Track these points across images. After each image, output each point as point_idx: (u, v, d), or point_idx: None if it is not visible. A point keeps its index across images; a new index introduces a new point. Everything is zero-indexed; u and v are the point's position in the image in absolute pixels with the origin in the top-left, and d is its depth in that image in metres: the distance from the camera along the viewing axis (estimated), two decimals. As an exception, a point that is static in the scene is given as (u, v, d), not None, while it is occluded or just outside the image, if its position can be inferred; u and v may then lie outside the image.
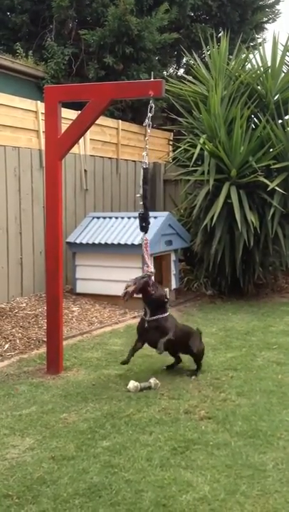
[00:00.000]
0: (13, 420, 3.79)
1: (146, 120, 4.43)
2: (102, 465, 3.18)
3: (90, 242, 7.24)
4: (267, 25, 13.32)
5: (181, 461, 3.22)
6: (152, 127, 4.61)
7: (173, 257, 7.72)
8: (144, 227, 4.52)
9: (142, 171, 4.49)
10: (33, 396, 4.21)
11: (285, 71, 8.23)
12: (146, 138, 4.52)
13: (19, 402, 4.10)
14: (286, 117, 7.81)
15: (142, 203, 4.49)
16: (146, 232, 4.54)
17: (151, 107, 4.40)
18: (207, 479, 3.02)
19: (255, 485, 2.97)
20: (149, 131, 4.49)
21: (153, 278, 4.59)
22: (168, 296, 4.78)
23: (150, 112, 4.39)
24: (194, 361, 4.76)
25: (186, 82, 8.62)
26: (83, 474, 3.08)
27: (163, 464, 3.19)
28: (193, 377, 4.59)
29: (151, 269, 4.56)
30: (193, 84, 8.56)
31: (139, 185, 4.62)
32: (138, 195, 4.54)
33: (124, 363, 4.59)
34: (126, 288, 4.46)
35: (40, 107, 7.08)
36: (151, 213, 7.70)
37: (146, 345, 5.58)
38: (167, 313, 4.63)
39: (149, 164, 4.50)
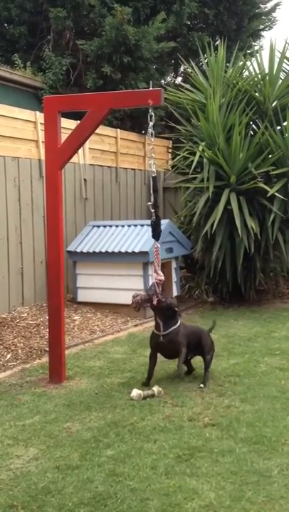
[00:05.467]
0: (16, 430, 3.78)
1: (149, 129, 4.44)
2: (107, 474, 3.17)
3: (91, 250, 7.24)
4: (264, 33, 13.37)
5: (186, 468, 3.21)
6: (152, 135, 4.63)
7: (174, 265, 7.72)
8: (156, 235, 4.52)
9: (151, 179, 4.50)
10: (36, 406, 4.21)
11: (283, 78, 8.28)
12: (151, 147, 4.54)
13: (22, 412, 4.09)
14: (284, 123, 7.84)
15: (153, 210, 4.49)
16: (157, 240, 4.54)
17: (151, 116, 4.41)
18: (212, 486, 3.01)
19: (260, 491, 2.96)
20: (152, 139, 4.51)
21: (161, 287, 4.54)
22: (177, 305, 4.70)
23: (151, 120, 4.41)
24: (205, 366, 4.70)
25: (184, 91, 8.67)
26: (88, 483, 3.07)
27: (168, 471, 3.18)
28: (201, 385, 4.52)
29: (162, 276, 4.52)
30: (191, 92, 8.62)
31: (150, 193, 4.62)
32: (149, 203, 4.52)
33: (145, 384, 4.54)
34: (134, 297, 4.46)
35: (39, 117, 7.12)
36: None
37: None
38: (178, 324, 4.58)
39: (155, 172, 4.50)
